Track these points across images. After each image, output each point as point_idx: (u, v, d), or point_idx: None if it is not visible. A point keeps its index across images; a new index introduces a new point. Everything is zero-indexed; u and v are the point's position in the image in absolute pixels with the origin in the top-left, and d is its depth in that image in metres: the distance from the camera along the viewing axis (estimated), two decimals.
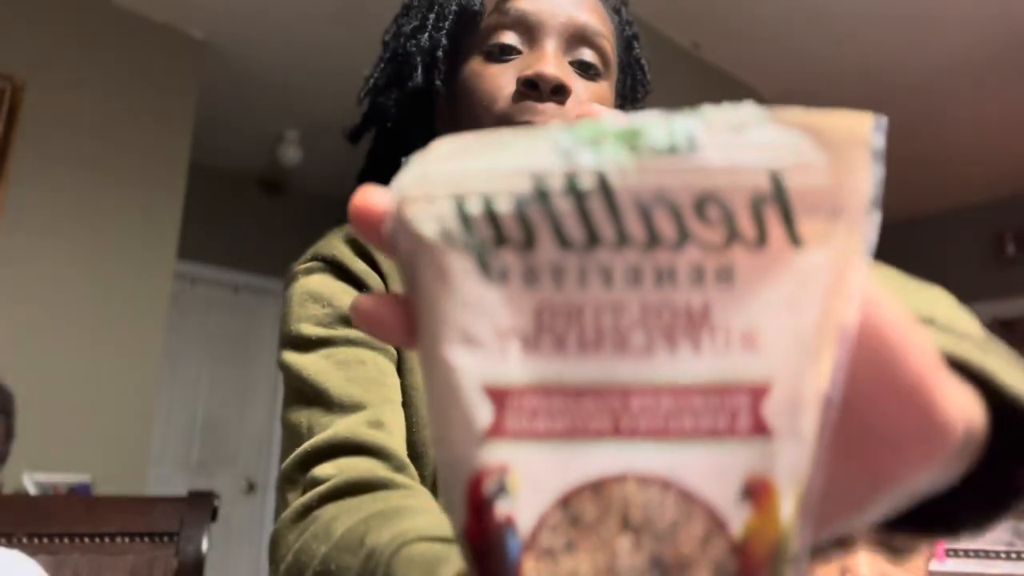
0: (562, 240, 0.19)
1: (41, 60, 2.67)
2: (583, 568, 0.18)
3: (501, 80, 0.62)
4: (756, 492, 0.18)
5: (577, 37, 0.63)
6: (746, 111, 0.19)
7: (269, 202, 4.45)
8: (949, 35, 3.07)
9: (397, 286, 0.63)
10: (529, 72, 0.60)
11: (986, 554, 1.13)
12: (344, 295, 0.62)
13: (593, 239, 0.19)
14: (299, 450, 0.54)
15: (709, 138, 0.19)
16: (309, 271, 0.64)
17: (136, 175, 2.85)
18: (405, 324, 0.21)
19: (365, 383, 0.57)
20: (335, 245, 0.64)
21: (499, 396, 0.19)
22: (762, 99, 3.31)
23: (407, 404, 0.60)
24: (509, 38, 0.63)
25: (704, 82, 3.21)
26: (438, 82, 0.66)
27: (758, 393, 0.18)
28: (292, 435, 0.57)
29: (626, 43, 0.72)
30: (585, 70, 0.63)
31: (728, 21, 2.99)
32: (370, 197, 0.21)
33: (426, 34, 0.67)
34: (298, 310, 0.62)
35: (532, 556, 0.18)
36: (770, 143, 0.19)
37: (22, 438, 1.21)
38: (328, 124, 2.86)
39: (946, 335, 0.27)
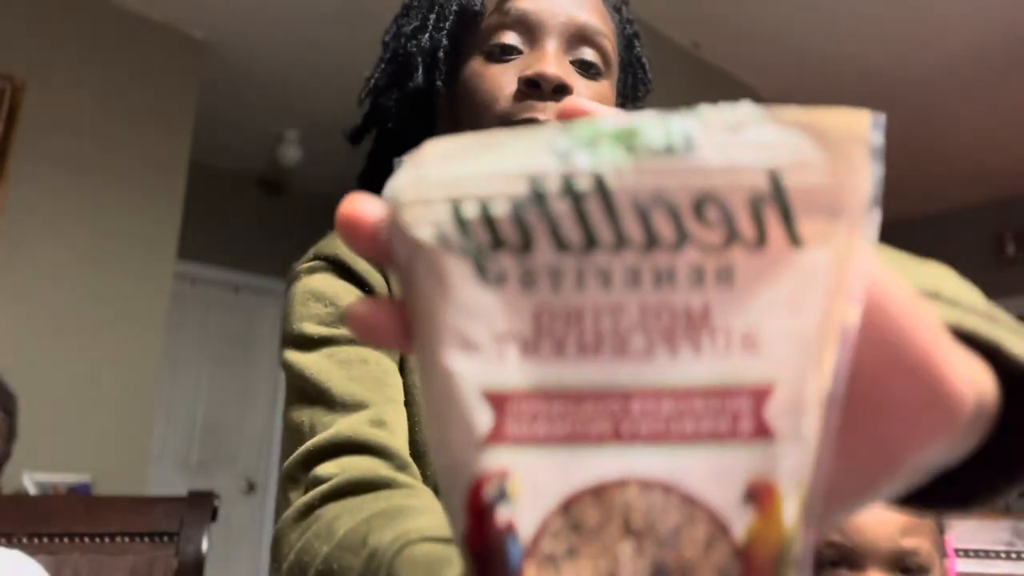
0: (559, 243, 0.19)
1: (41, 60, 2.67)
2: (585, 574, 0.18)
3: (502, 80, 0.62)
4: (759, 495, 0.18)
5: (578, 36, 0.63)
6: (743, 110, 0.19)
7: (269, 202, 4.45)
8: (949, 35, 3.07)
9: None
10: (530, 72, 0.60)
11: (986, 554, 1.13)
12: (346, 294, 0.62)
13: (591, 241, 0.19)
14: (301, 449, 0.54)
15: (706, 138, 0.19)
16: (311, 270, 0.65)
17: (136, 175, 2.85)
18: (401, 329, 0.21)
19: (367, 382, 0.57)
20: (337, 244, 0.64)
21: (498, 401, 0.19)
22: (762, 99, 3.31)
23: (409, 403, 0.60)
24: (510, 38, 0.63)
25: (704, 82, 3.21)
26: (439, 82, 0.66)
27: (760, 395, 0.18)
28: (294, 434, 0.57)
29: (627, 42, 0.72)
30: (586, 69, 0.63)
31: (728, 21, 2.99)
32: (358, 206, 0.20)
33: (427, 34, 0.67)
34: (300, 309, 0.62)
35: (533, 563, 0.18)
36: (768, 142, 0.19)
37: (22, 438, 1.21)
38: (328, 124, 2.86)
39: (952, 308, 0.27)
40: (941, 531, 0.84)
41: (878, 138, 0.19)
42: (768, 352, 0.18)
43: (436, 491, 0.56)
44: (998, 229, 4.48)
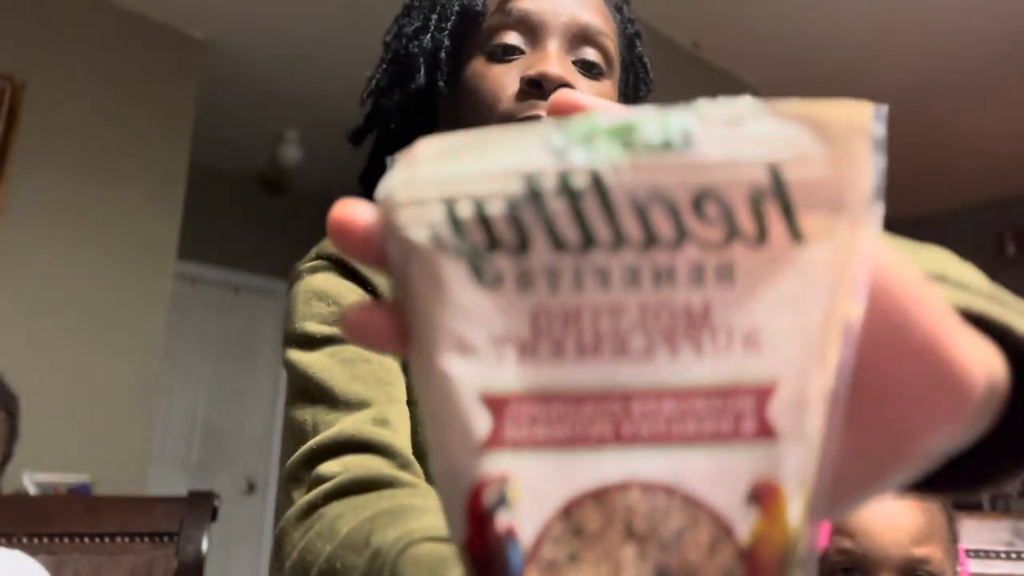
0: (556, 242, 0.19)
1: (41, 60, 2.67)
2: None
3: (504, 80, 0.62)
4: (763, 496, 0.18)
5: (580, 36, 0.63)
6: (742, 104, 0.19)
7: (269, 202, 4.45)
8: (950, 35, 3.07)
9: None
10: (532, 72, 0.60)
11: (986, 554, 1.13)
12: (349, 293, 0.62)
13: (588, 240, 0.18)
14: (304, 448, 0.54)
15: (705, 132, 0.18)
16: (314, 269, 0.65)
17: (136, 175, 2.85)
18: (396, 333, 0.20)
19: (370, 381, 0.57)
20: None
21: (497, 404, 0.19)
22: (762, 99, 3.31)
23: (412, 402, 0.60)
24: (512, 38, 0.63)
25: (704, 82, 3.21)
26: (441, 83, 0.66)
27: (762, 394, 0.18)
28: (296, 433, 0.57)
29: (628, 41, 0.72)
30: (588, 69, 0.63)
31: (728, 21, 2.99)
32: (349, 210, 0.20)
33: (428, 35, 0.66)
34: (303, 308, 0.62)
35: (535, 569, 0.18)
36: (767, 136, 0.18)
37: (22, 438, 1.21)
38: (328, 124, 2.85)
39: (959, 291, 0.27)
40: (955, 540, 0.84)
41: (880, 130, 0.18)
42: (770, 350, 0.18)
43: None
44: (998, 229, 4.48)
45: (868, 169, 0.18)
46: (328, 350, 0.59)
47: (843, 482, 0.20)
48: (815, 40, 3.12)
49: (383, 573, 0.41)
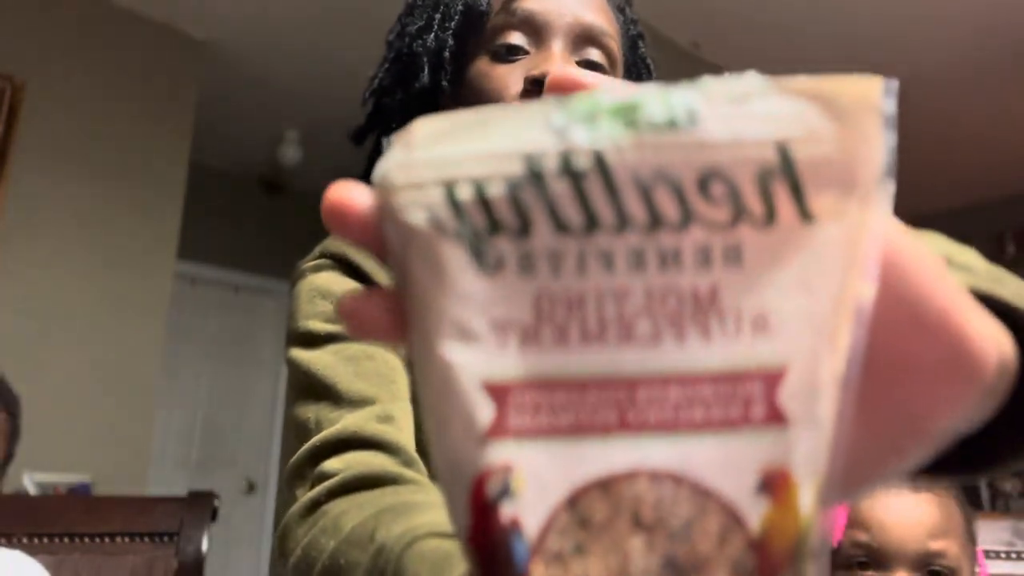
0: (559, 224, 0.18)
1: (41, 60, 2.67)
2: (594, 572, 0.17)
3: (508, 80, 0.62)
4: (773, 484, 0.17)
5: (584, 37, 0.63)
6: (748, 81, 0.18)
7: (269, 202, 4.45)
8: (950, 36, 3.07)
9: None
10: (537, 72, 0.60)
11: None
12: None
13: (592, 222, 0.18)
14: (307, 445, 0.54)
15: (710, 111, 0.18)
16: (317, 268, 0.65)
17: (136, 175, 2.85)
18: (393, 321, 0.20)
19: (374, 378, 0.57)
20: (343, 243, 0.64)
21: (499, 392, 0.18)
22: None
23: (416, 400, 0.60)
24: (516, 38, 0.63)
25: None
26: (444, 82, 0.66)
27: (772, 379, 0.17)
28: (300, 431, 0.57)
29: (631, 42, 0.72)
30: (592, 70, 0.63)
31: (728, 21, 2.99)
32: (345, 193, 0.19)
33: (432, 34, 0.66)
34: (306, 307, 0.62)
35: (541, 561, 0.17)
36: (775, 114, 0.18)
37: (22, 438, 1.21)
38: (328, 124, 2.85)
39: (964, 272, 0.27)
40: (972, 539, 0.83)
41: (891, 105, 0.18)
42: (780, 334, 0.17)
43: None
44: (998, 229, 4.48)
45: (878, 146, 0.18)
46: (331, 348, 0.59)
47: (855, 466, 0.19)
48: (815, 40, 3.12)
49: (387, 569, 0.41)
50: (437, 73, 0.66)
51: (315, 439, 0.54)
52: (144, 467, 2.77)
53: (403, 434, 0.55)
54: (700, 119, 0.18)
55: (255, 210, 4.42)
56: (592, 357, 0.18)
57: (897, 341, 0.19)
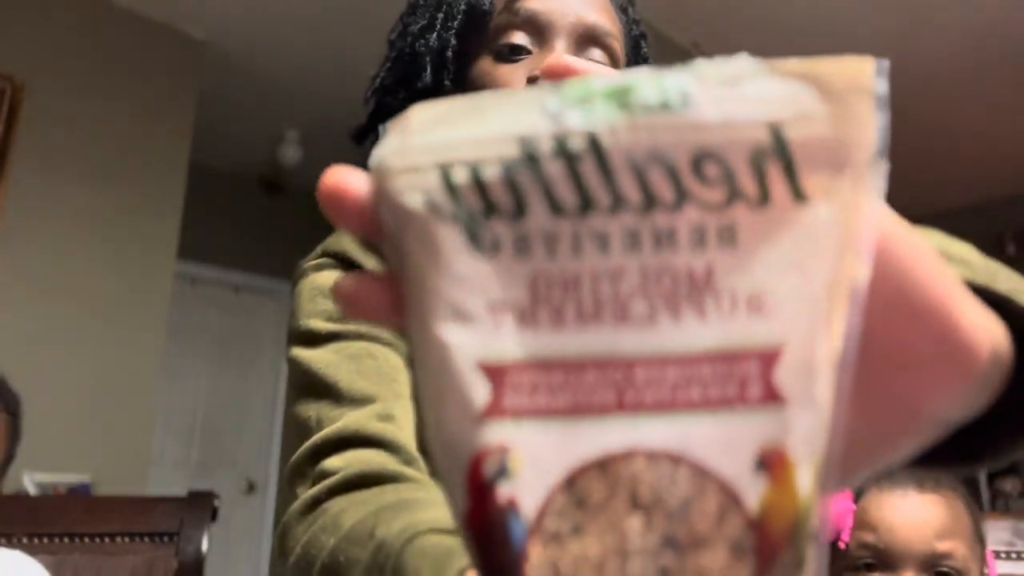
0: (554, 206, 0.18)
1: (41, 60, 2.67)
2: (592, 552, 0.17)
3: (511, 80, 0.62)
4: (771, 463, 0.17)
5: (587, 37, 0.63)
6: (740, 64, 0.18)
7: (269, 202, 4.45)
8: (950, 37, 3.07)
9: None
10: (539, 72, 0.60)
11: None
12: None
13: (586, 204, 0.18)
14: (308, 443, 0.54)
15: (703, 93, 0.18)
16: (319, 267, 0.65)
17: (136, 175, 2.85)
18: (390, 303, 0.20)
19: (375, 377, 0.57)
20: (345, 241, 0.65)
21: (496, 373, 0.18)
22: None
23: (417, 398, 0.59)
24: (519, 38, 0.63)
25: None
26: (447, 82, 0.66)
27: (768, 358, 0.17)
28: (300, 429, 0.57)
29: (634, 43, 0.72)
30: None
31: (728, 21, 2.99)
32: (342, 178, 0.20)
33: (435, 33, 0.66)
34: (308, 305, 0.62)
35: (538, 541, 0.17)
36: (767, 96, 0.18)
37: (23, 438, 1.21)
38: (328, 124, 2.85)
39: (962, 266, 0.27)
40: (981, 540, 0.83)
41: (883, 86, 0.18)
42: (775, 313, 0.18)
43: None
44: (998, 229, 4.48)
45: (871, 126, 0.18)
46: (333, 346, 0.59)
47: (848, 453, 0.19)
48: (815, 40, 3.12)
49: (387, 565, 0.41)
50: (440, 73, 0.66)
51: (316, 437, 0.54)
52: (144, 467, 2.77)
53: (404, 432, 0.55)
54: (693, 101, 0.18)
55: (255, 210, 4.42)
56: (589, 337, 0.18)
57: (890, 330, 0.19)
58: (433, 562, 0.39)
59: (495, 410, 0.18)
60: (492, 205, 0.18)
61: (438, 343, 0.18)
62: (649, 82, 0.18)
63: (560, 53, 0.61)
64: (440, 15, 0.67)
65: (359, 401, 0.56)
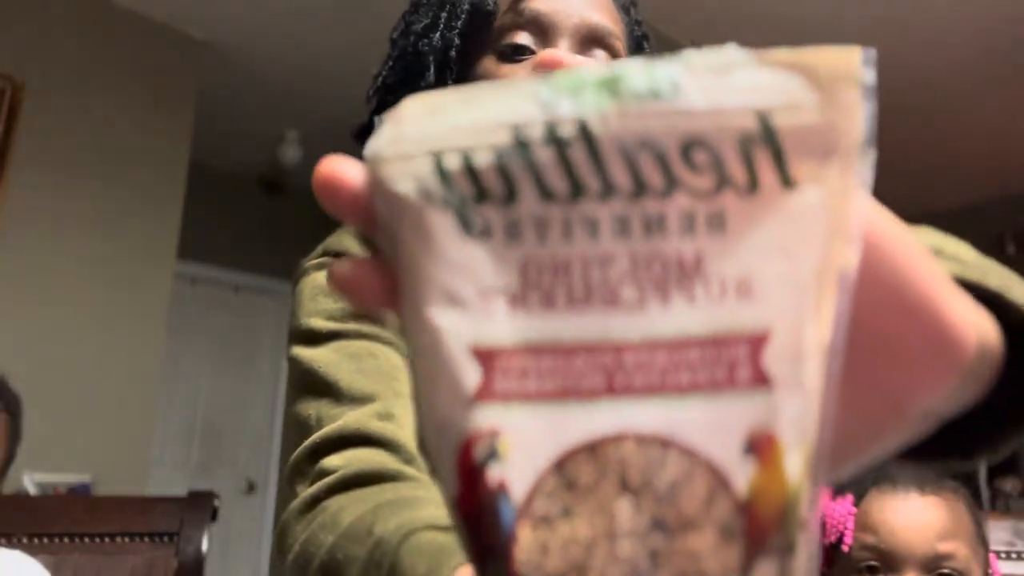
0: (545, 192, 0.18)
1: (41, 60, 2.67)
2: (581, 534, 0.17)
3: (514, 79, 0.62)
4: (759, 446, 0.17)
5: (590, 38, 0.64)
6: (729, 53, 0.19)
7: (269, 202, 4.45)
8: (950, 38, 3.07)
9: None
10: (533, 66, 0.60)
11: None
12: None
13: (577, 190, 0.18)
14: (308, 441, 0.54)
15: (692, 82, 0.18)
16: (320, 266, 0.65)
17: (136, 175, 2.85)
18: (385, 288, 0.20)
19: (375, 376, 0.57)
20: (347, 240, 0.65)
21: (486, 357, 0.18)
22: None
23: None
24: (522, 38, 0.63)
25: None
26: (450, 82, 0.66)
27: (757, 342, 0.18)
28: (300, 427, 0.57)
29: (636, 43, 0.72)
30: None
31: (727, 21, 2.99)
32: (337, 167, 0.20)
33: (438, 33, 0.66)
34: (309, 304, 0.62)
35: (528, 523, 0.17)
36: (756, 84, 0.18)
37: (23, 438, 1.21)
38: (328, 124, 2.86)
39: (954, 262, 0.27)
40: (984, 542, 0.83)
41: (870, 75, 0.18)
42: (764, 298, 0.18)
43: None
44: (998, 229, 4.48)
45: (859, 115, 0.18)
46: (334, 345, 0.59)
47: (839, 444, 0.19)
48: (816, 40, 3.10)
49: (384, 562, 0.41)
50: (443, 72, 0.66)
51: (316, 436, 0.54)
52: (144, 467, 2.77)
53: (404, 431, 0.55)
54: (683, 90, 0.18)
55: (255, 210, 4.42)
56: (579, 322, 0.18)
57: (878, 322, 0.19)
58: (429, 559, 0.39)
59: (486, 394, 0.18)
60: (483, 191, 0.19)
61: (430, 327, 0.19)
62: (639, 71, 0.18)
63: (555, 48, 0.61)
64: (444, 14, 0.67)
65: (359, 400, 0.56)
